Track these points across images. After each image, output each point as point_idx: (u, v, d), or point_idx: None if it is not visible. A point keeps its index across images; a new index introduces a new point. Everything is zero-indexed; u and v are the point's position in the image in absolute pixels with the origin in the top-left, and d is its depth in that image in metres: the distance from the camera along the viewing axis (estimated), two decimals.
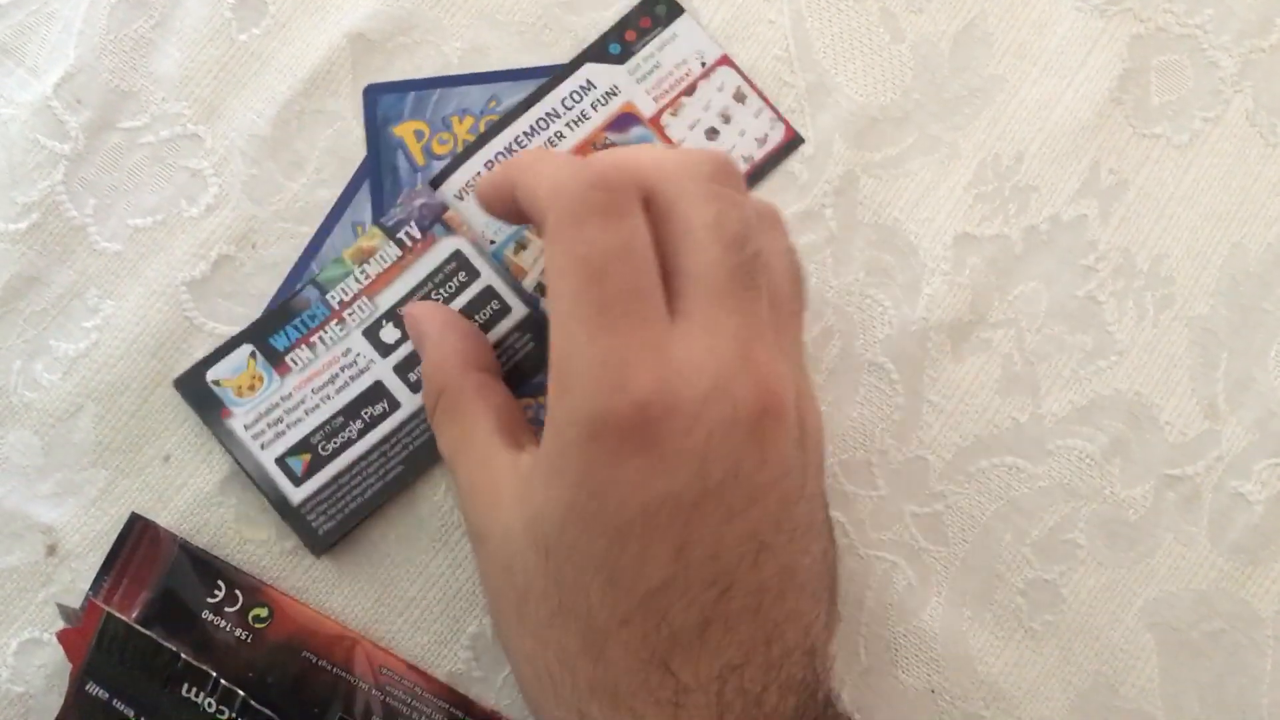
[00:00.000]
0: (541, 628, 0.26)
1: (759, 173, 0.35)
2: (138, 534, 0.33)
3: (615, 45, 0.35)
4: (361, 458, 0.33)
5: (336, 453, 0.33)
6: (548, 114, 0.35)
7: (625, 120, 0.35)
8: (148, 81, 0.36)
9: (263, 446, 0.33)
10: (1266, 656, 0.34)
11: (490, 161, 0.35)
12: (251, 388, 0.34)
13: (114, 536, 0.34)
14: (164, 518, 0.34)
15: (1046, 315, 0.35)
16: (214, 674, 0.32)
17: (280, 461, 0.33)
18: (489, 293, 0.34)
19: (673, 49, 0.35)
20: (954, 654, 0.34)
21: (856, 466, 0.35)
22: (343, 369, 0.34)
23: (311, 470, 0.33)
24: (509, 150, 0.35)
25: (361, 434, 0.33)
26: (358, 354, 0.34)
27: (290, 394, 0.34)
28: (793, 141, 0.35)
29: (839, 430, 0.35)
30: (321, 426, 0.34)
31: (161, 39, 0.36)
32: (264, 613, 0.33)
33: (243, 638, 0.33)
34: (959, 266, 0.35)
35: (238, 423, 0.33)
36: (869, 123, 0.36)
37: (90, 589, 0.33)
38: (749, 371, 0.25)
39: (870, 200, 0.36)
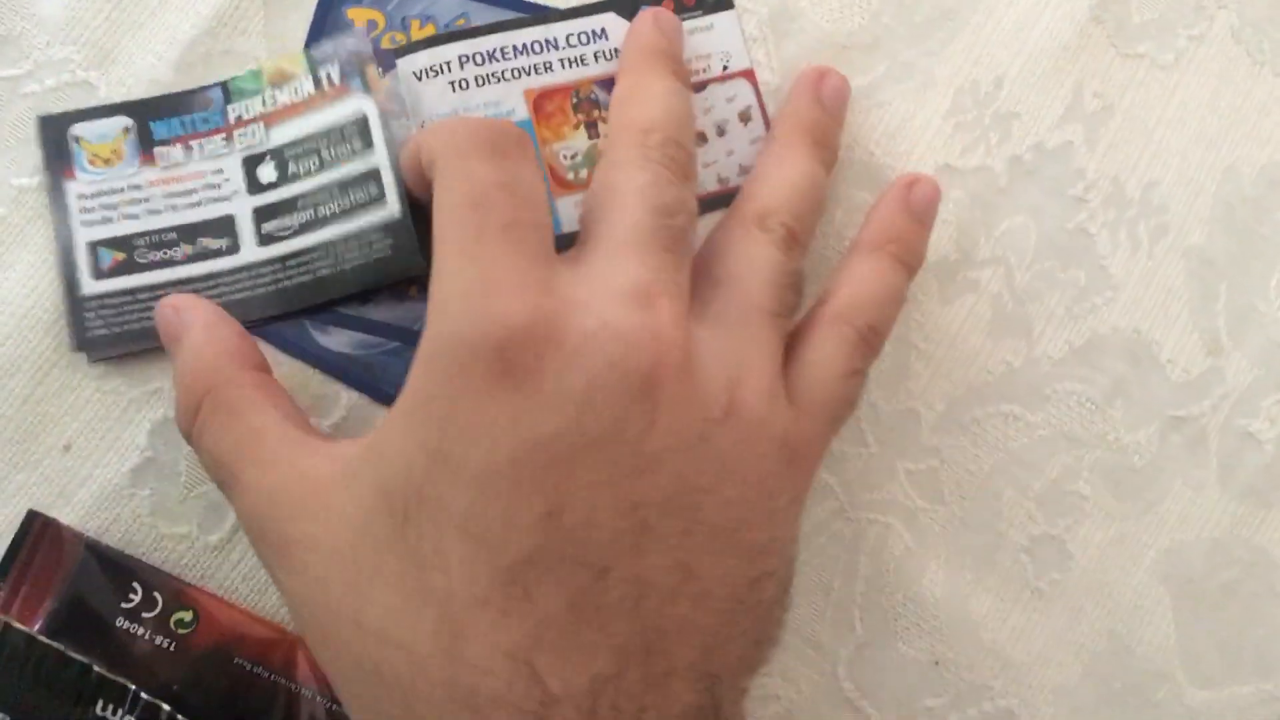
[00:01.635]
0: (390, 624, 0.23)
1: (723, 200, 0.33)
2: (36, 533, 0.30)
3: (648, 8, 0.33)
4: (173, 284, 0.31)
5: (152, 267, 0.31)
6: (547, 40, 0.33)
7: None
8: (28, 24, 0.33)
9: (84, 224, 0.31)
10: None
11: (466, 56, 0.32)
12: (108, 161, 0.31)
13: (9, 539, 0.30)
14: (67, 514, 0.31)
15: (1036, 251, 0.34)
16: (133, 687, 0.29)
17: (92, 247, 0.31)
18: (371, 176, 0.31)
19: (703, 38, 0.33)
20: (957, 621, 0.33)
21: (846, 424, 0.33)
22: (205, 186, 0.32)
23: (118, 271, 0.31)
24: (491, 54, 0.33)
25: (187, 260, 0.31)
26: (227, 178, 0.32)
27: (141, 186, 0.32)
28: None
29: None
30: (152, 233, 0.32)
31: None
32: (188, 617, 0.30)
33: (165, 646, 0.30)
34: (941, 202, 0.34)
35: (74, 188, 0.32)
36: (837, 50, 0.34)
37: None
38: (648, 319, 0.24)
39: (845, 133, 0.34)
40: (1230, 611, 0.33)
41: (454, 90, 0.32)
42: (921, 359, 0.34)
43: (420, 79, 0.32)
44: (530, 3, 0.34)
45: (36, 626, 0.30)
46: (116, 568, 0.30)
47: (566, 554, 0.23)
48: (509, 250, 0.24)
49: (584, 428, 0.23)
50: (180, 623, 0.31)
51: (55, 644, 0.29)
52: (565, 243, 0.32)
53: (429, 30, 0.33)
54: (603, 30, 0.33)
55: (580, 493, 0.23)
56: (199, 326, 0.29)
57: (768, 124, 0.34)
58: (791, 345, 0.28)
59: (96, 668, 0.29)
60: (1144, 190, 0.35)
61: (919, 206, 0.31)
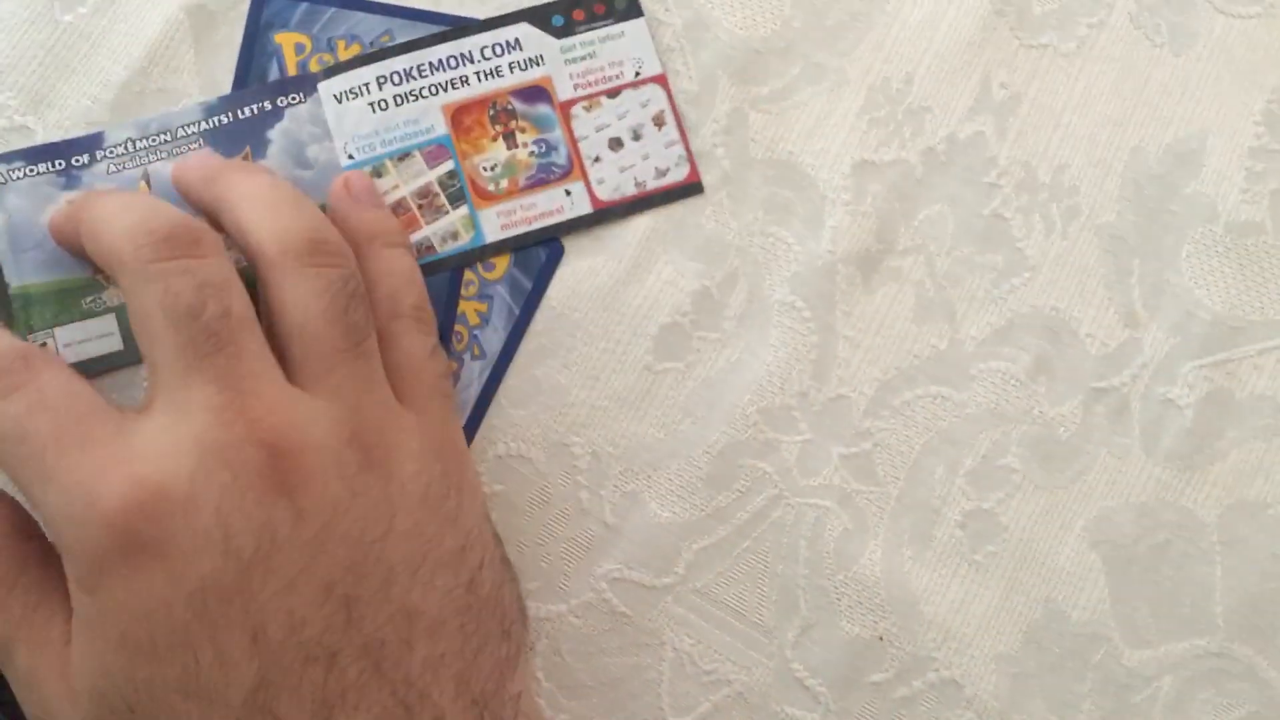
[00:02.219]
0: None
1: (642, 204, 0.35)
2: None
3: (559, 18, 0.35)
4: None
5: None
6: (462, 54, 0.35)
7: (536, 94, 0.35)
8: None
9: None
10: (1216, 564, 0.35)
11: (383, 76, 0.34)
12: None
13: None
14: None
15: (954, 238, 0.36)
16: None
17: None
18: None
19: (614, 46, 0.35)
20: (898, 597, 0.34)
21: (776, 412, 0.35)
22: None
23: None
24: (409, 73, 0.34)
25: None
26: None
27: None
28: (692, 186, 0.35)
29: (755, 377, 0.35)
30: None
31: None
32: None
33: None
34: (860, 195, 0.36)
35: None
36: (752, 56, 0.36)
37: None
38: (241, 431, 0.25)
39: (761, 136, 0.36)
40: (1161, 573, 0.35)
41: (374, 111, 0.34)
42: (849, 346, 0.35)
43: (340, 101, 0.34)
44: (452, 15, 0.35)
45: None
46: None
47: (289, 662, 0.24)
48: (73, 455, 0.24)
49: (239, 553, 0.24)
50: None
51: None
52: (491, 251, 0.34)
53: (355, 50, 0.35)
54: (516, 40, 0.35)
55: (270, 604, 0.24)
56: None
57: (681, 127, 0.35)
58: (384, 359, 0.29)
59: None
60: (1054, 174, 0.37)
61: (363, 195, 0.33)
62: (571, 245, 0.35)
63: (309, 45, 0.35)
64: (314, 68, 0.35)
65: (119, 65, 0.35)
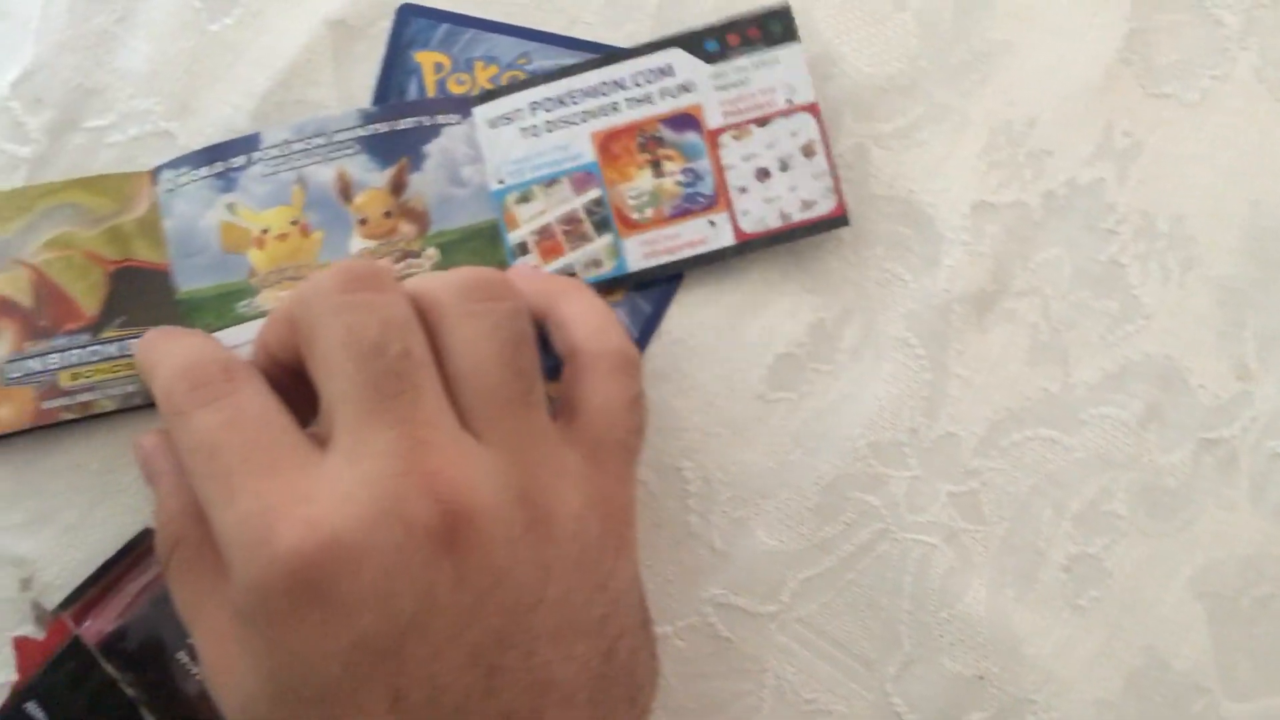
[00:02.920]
0: None
1: (785, 237, 0.36)
2: (141, 551, 0.33)
3: (713, 43, 0.36)
4: None
5: None
6: (615, 81, 0.35)
7: (685, 122, 0.36)
8: (113, 77, 0.36)
9: None
10: None
11: (536, 103, 0.35)
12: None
13: (92, 566, 0.33)
14: None
15: (1070, 282, 0.37)
16: None
17: None
18: None
19: (767, 72, 0.36)
20: (1000, 637, 0.35)
21: (886, 447, 0.36)
22: None
23: None
24: (560, 99, 0.35)
25: None
26: None
27: None
28: (837, 220, 0.35)
29: (866, 411, 0.36)
30: None
31: (126, 33, 0.36)
32: None
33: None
34: (978, 236, 0.36)
35: None
36: (877, 93, 0.37)
37: (70, 598, 0.33)
38: (417, 484, 0.24)
39: (882, 172, 0.37)
40: (1264, 626, 0.36)
41: (525, 136, 0.35)
42: (961, 385, 0.36)
43: (494, 127, 0.35)
44: (587, 41, 0.37)
45: (108, 631, 0.32)
46: None
47: None
48: (260, 481, 0.25)
49: (396, 613, 0.24)
50: None
51: (113, 672, 0.31)
52: (634, 281, 0.35)
53: (492, 70, 0.36)
54: (668, 66, 0.36)
55: (417, 671, 0.24)
56: (169, 476, 0.29)
57: (830, 159, 0.36)
58: (567, 398, 0.29)
59: (145, 710, 0.31)
60: (1173, 223, 0.37)
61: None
62: (690, 272, 0.36)
63: (448, 65, 0.36)
64: (452, 87, 0.36)
65: (261, 75, 0.37)
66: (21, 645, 0.31)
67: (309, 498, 0.24)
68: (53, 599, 0.33)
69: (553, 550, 0.26)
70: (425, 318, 0.27)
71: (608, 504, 0.28)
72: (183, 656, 0.32)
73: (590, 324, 0.31)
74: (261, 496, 0.24)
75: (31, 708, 0.31)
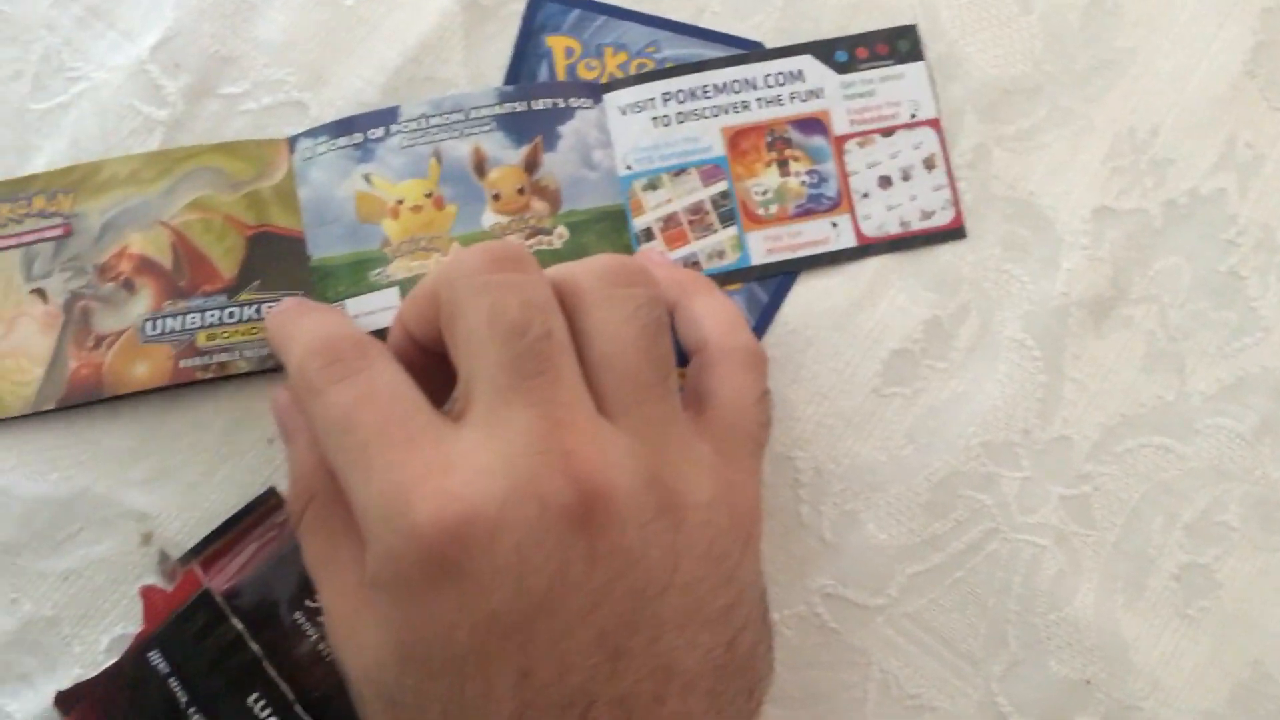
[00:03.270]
0: None
1: (904, 243, 0.37)
2: (266, 510, 0.33)
3: (843, 54, 0.37)
4: None
5: None
6: (746, 79, 0.37)
7: (813, 125, 0.37)
8: (249, 46, 0.37)
9: None
10: None
11: (669, 94, 0.36)
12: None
13: (211, 525, 0.34)
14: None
15: (1189, 291, 0.37)
16: (291, 696, 0.32)
17: None
18: None
19: (893, 86, 0.37)
20: (1109, 643, 0.35)
21: (999, 446, 0.36)
22: None
23: None
24: (693, 92, 0.36)
25: None
26: None
27: None
28: (955, 231, 0.37)
29: (980, 409, 0.36)
30: None
31: (264, 3, 0.37)
32: None
33: (326, 654, 0.32)
34: (1098, 241, 0.37)
35: None
36: (1000, 94, 0.38)
37: (193, 551, 0.33)
38: (555, 463, 0.25)
39: (1004, 173, 0.37)
40: None
41: (655, 125, 0.36)
42: (1076, 388, 0.36)
43: (624, 114, 0.36)
44: (715, 32, 0.37)
45: (226, 588, 0.32)
46: None
47: (547, 705, 0.24)
48: (396, 454, 0.25)
49: (528, 592, 0.24)
50: None
51: (241, 628, 0.32)
52: (755, 274, 0.35)
53: (621, 57, 0.37)
54: (799, 71, 0.37)
55: (545, 649, 0.24)
56: (305, 433, 0.30)
57: (950, 172, 0.37)
58: (695, 389, 0.30)
59: (268, 666, 0.32)
60: None
61: (667, 261, 0.36)
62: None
63: (578, 50, 0.37)
64: (582, 72, 0.37)
65: (393, 51, 0.37)
66: (149, 595, 0.32)
67: (446, 471, 0.25)
68: (174, 554, 0.34)
69: (682, 537, 0.26)
70: (565, 302, 0.28)
71: (736, 496, 0.28)
72: (299, 618, 0.32)
73: (721, 320, 0.31)
74: (398, 469, 0.25)
75: (154, 657, 0.31)
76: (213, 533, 0.33)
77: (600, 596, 0.25)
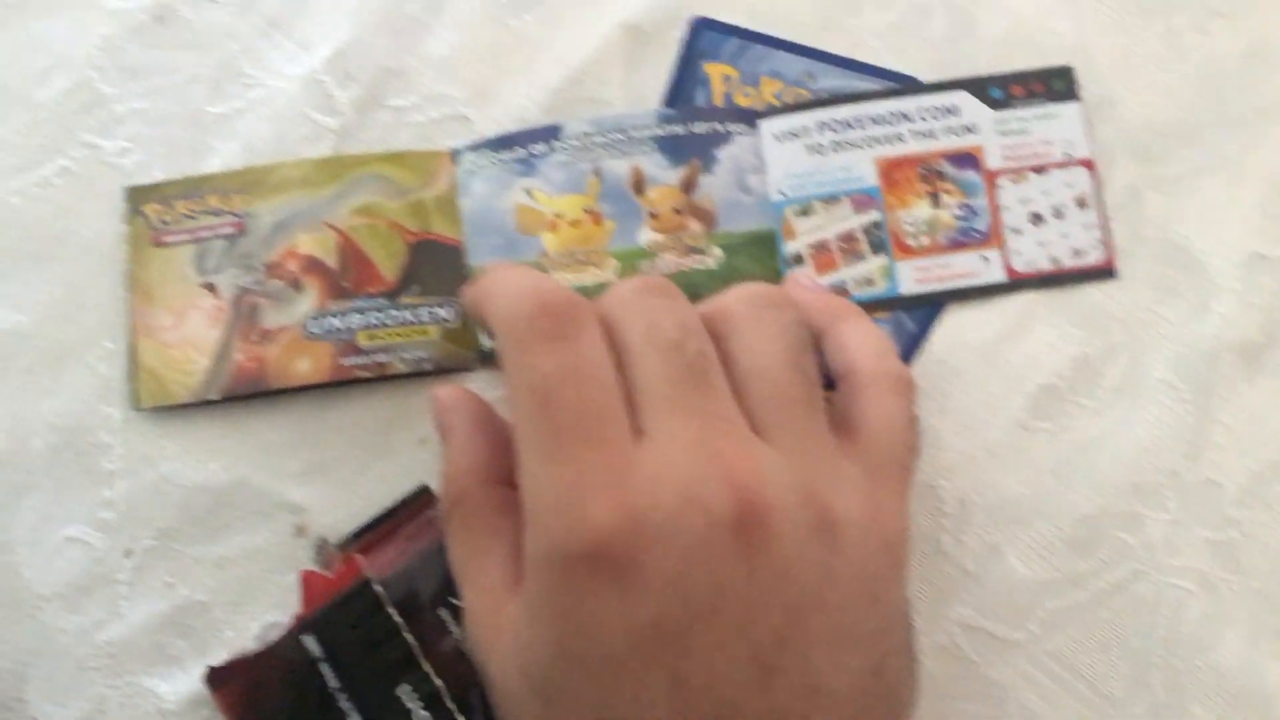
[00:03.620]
0: None
1: (1054, 280, 0.37)
2: (419, 506, 0.34)
3: (998, 91, 0.38)
4: None
5: None
6: (901, 113, 0.38)
7: (966, 160, 0.38)
8: (418, 62, 0.38)
9: None
10: None
11: (824, 123, 0.37)
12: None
13: (362, 521, 0.35)
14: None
15: None
16: (441, 688, 0.32)
17: None
18: None
19: (1047, 125, 0.38)
20: (1254, 691, 0.35)
21: (1146, 487, 0.36)
22: None
23: None
24: (847, 123, 0.37)
25: None
26: None
27: None
28: (1105, 271, 0.37)
29: (1126, 449, 0.36)
30: None
31: (434, 21, 0.39)
32: None
33: (465, 652, 0.33)
34: (1251, 287, 0.37)
35: None
36: (1154, 137, 0.38)
37: (352, 537, 0.34)
38: (719, 475, 0.25)
39: (1156, 216, 0.38)
40: None
41: (810, 153, 0.37)
42: (1225, 433, 0.36)
43: (780, 140, 0.37)
44: (871, 65, 0.38)
45: (380, 578, 0.33)
46: None
47: (699, 714, 0.25)
48: (584, 449, 0.26)
49: (689, 601, 0.25)
50: None
51: (398, 619, 0.33)
52: (903, 303, 0.36)
53: (776, 85, 0.38)
54: (954, 107, 0.38)
55: (700, 659, 0.25)
56: (460, 435, 0.31)
57: (1102, 212, 0.37)
58: (843, 414, 0.30)
59: (420, 656, 0.32)
60: None
61: (815, 285, 0.36)
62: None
63: (736, 77, 0.38)
64: (738, 99, 0.38)
65: (556, 71, 0.39)
66: (309, 579, 0.33)
67: (623, 475, 0.25)
68: (333, 541, 0.35)
69: (835, 556, 0.27)
70: (712, 329, 0.29)
71: (886, 520, 0.28)
72: (443, 613, 0.33)
73: (869, 345, 0.32)
74: (581, 464, 0.25)
75: (308, 640, 0.32)
76: (370, 523, 0.34)
77: (756, 610, 0.25)
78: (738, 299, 0.30)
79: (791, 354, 0.28)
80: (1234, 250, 0.38)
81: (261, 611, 0.35)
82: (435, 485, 0.35)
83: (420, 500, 0.35)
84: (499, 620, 0.28)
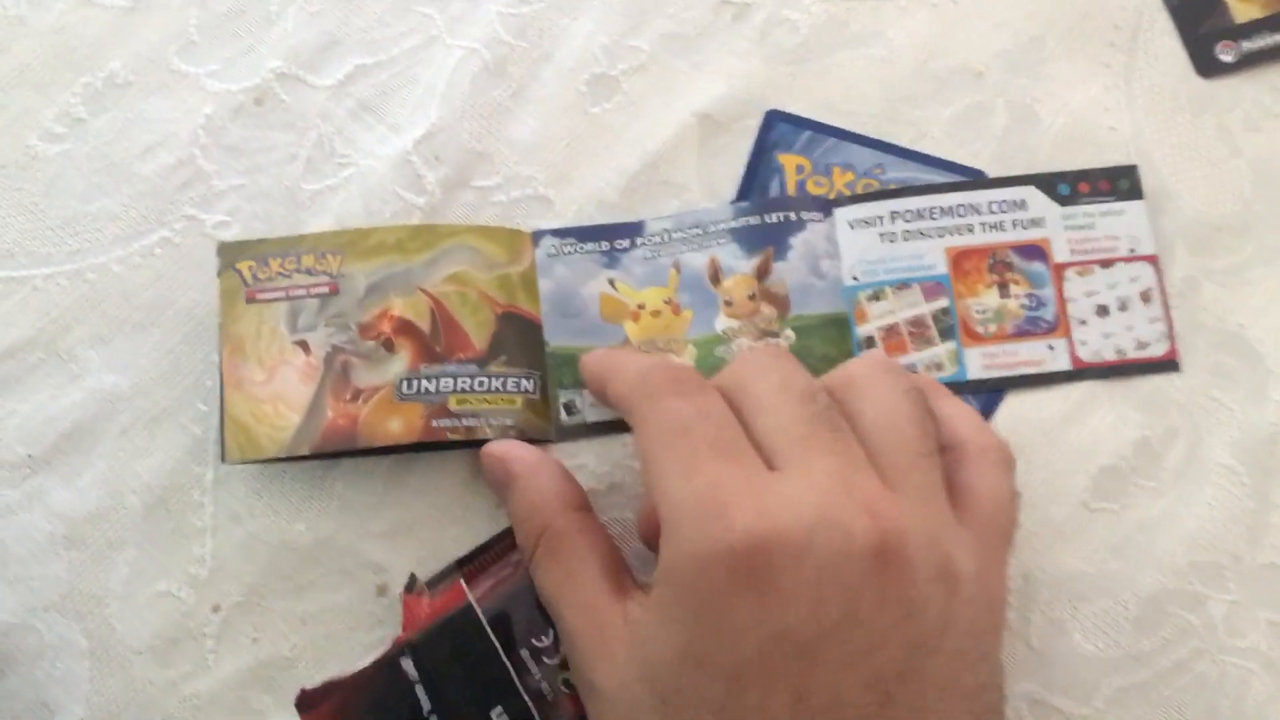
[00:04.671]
0: None
1: (1118, 370, 0.39)
2: (504, 547, 0.36)
3: (1065, 188, 0.41)
4: None
5: None
6: (970, 204, 0.40)
7: (1033, 252, 0.40)
8: (502, 145, 0.41)
9: None
10: None
11: (896, 212, 0.40)
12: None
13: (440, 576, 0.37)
14: None
15: None
16: (536, 714, 0.34)
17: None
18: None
19: (1113, 221, 0.40)
20: None
21: (1207, 568, 0.38)
22: None
23: None
24: (920, 213, 0.40)
25: None
26: None
27: None
28: (1169, 363, 0.39)
29: (1188, 530, 0.38)
30: None
31: (518, 107, 0.42)
32: None
33: (546, 693, 0.34)
34: None
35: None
36: (1210, 231, 0.40)
37: (448, 571, 0.36)
38: (856, 501, 0.27)
39: (1213, 306, 0.40)
40: None
41: (882, 241, 0.40)
42: None
43: (853, 228, 0.40)
44: (938, 158, 0.41)
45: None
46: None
47: None
48: (722, 465, 0.28)
49: (820, 617, 0.26)
50: (568, 683, 0.35)
51: (497, 643, 0.34)
52: (971, 388, 0.38)
53: (848, 177, 0.41)
54: (1022, 201, 0.40)
55: (825, 676, 0.26)
56: (524, 475, 0.34)
57: (1166, 306, 0.39)
58: (951, 482, 0.31)
59: (518, 681, 0.34)
60: None
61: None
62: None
63: (808, 167, 0.41)
64: (810, 188, 0.41)
65: (632, 156, 0.42)
66: (410, 604, 0.35)
67: (763, 491, 0.27)
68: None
69: (955, 604, 0.28)
70: (835, 393, 0.31)
71: (991, 583, 0.30)
72: (524, 654, 0.35)
73: (971, 421, 0.33)
74: (722, 477, 0.28)
75: (406, 664, 0.34)
76: (464, 557, 0.36)
77: (881, 639, 0.27)
78: (858, 364, 0.32)
79: (918, 410, 0.31)
80: None
81: (344, 666, 0.36)
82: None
83: (504, 541, 0.36)
84: (605, 633, 0.30)
